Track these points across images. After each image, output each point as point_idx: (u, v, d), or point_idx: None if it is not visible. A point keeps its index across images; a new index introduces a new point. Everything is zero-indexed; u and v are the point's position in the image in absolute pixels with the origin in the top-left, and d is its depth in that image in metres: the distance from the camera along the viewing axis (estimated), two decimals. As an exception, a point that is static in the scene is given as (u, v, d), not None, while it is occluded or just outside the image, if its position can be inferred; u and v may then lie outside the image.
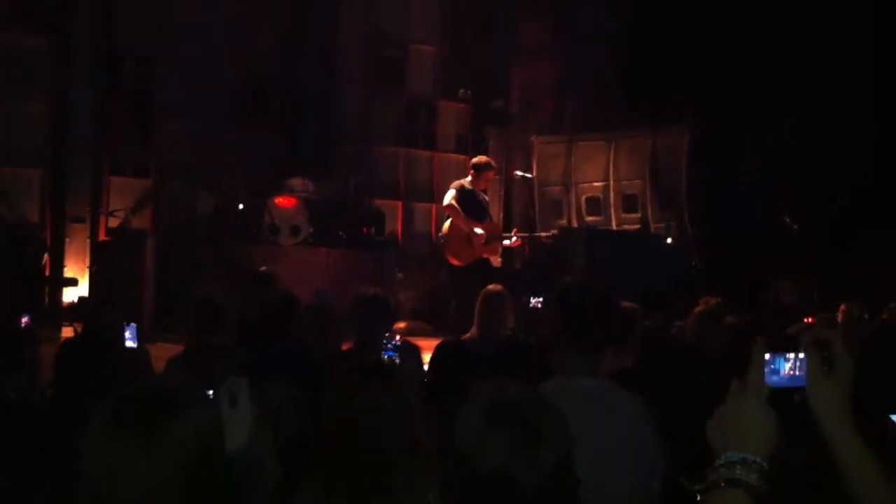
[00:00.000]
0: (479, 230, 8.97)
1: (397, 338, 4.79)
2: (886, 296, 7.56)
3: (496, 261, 9.41)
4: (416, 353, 5.15)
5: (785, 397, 1.70)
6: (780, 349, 1.70)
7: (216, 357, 3.21)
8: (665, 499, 2.87)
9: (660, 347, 4.33)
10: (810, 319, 7.42)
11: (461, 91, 13.58)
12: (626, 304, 4.62)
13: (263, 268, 7.94)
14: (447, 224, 9.06)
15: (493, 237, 9.27)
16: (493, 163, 9.58)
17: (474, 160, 9.50)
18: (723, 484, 1.58)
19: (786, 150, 10.57)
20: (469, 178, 9.20)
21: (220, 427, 1.90)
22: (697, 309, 5.83)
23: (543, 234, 10.95)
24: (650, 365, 3.79)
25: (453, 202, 8.96)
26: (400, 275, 11.34)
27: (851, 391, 1.73)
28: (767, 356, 1.68)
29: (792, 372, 1.69)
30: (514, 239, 9.74)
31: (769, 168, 10.20)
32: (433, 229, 12.83)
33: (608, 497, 2.71)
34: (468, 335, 6.11)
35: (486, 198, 9.41)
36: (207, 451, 1.77)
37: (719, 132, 11.22)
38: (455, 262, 9.00)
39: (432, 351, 4.20)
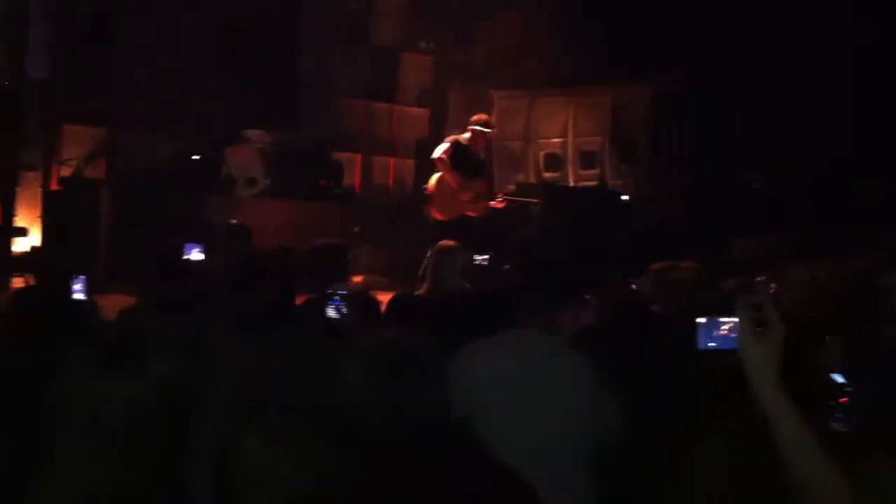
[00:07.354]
0: (466, 187, 9.01)
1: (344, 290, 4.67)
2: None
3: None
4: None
5: (721, 359, 1.78)
6: (718, 311, 1.82)
7: (170, 310, 3.17)
8: (624, 455, 2.87)
9: (619, 305, 4.34)
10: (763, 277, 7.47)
11: (423, 43, 13.43)
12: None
13: (234, 221, 7.86)
14: (435, 177, 9.11)
15: (481, 196, 9.24)
16: (491, 122, 9.65)
17: (473, 118, 9.53)
18: None
19: (758, 107, 10.55)
20: (467, 135, 9.28)
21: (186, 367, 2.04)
22: (653, 266, 5.88)
23: (533, 200, 10.71)
24: (611, 323, 3.80)
25: (443, 156, 8.99)
26: (357, 229, 11.27)
27: (783, 352, 1.82)
28: (705, 319, 1.81)
29: (729, 334, 1.80)
30: (498, 200, 9.61)
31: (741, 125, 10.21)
32: (391, 183, 12.77)
33: (547, 450, 2.71)
34: (420, 290, 6.13)
35: (483, 156, 9.45)
36: (177, 387, 1.94)
37: (686, 87, 11.20)
38: (438, 216, 9.06)
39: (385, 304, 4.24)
